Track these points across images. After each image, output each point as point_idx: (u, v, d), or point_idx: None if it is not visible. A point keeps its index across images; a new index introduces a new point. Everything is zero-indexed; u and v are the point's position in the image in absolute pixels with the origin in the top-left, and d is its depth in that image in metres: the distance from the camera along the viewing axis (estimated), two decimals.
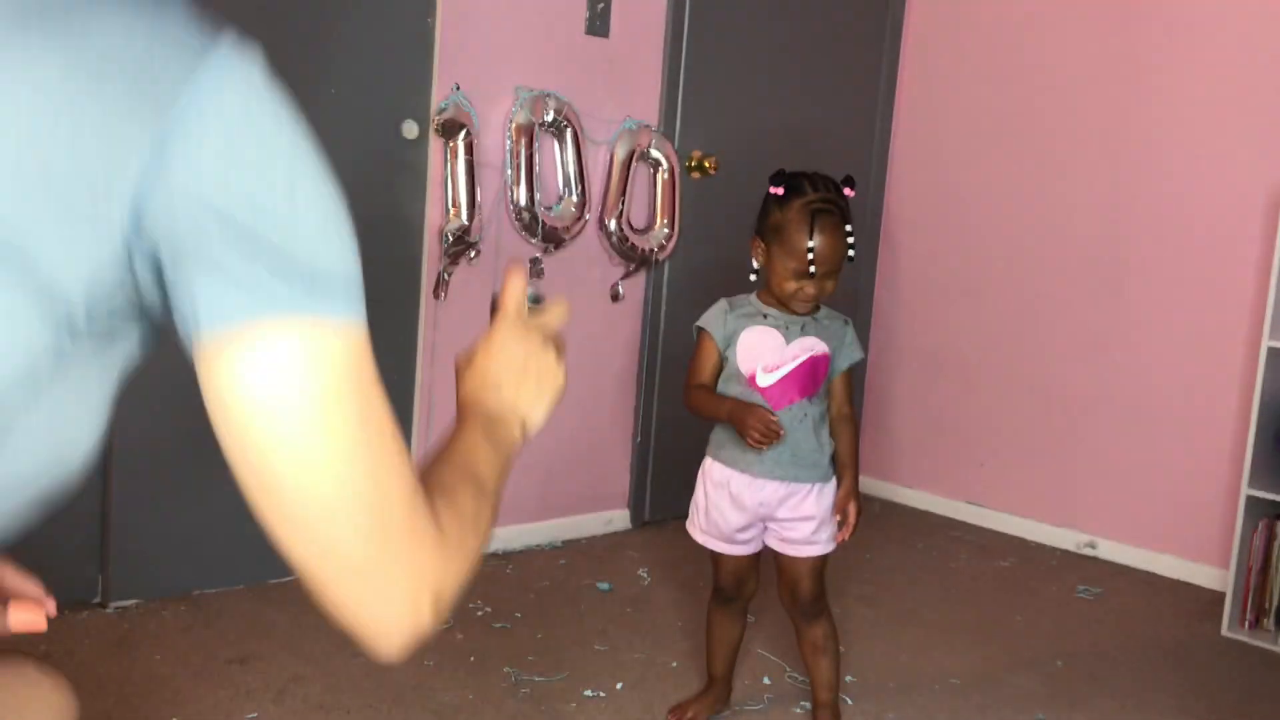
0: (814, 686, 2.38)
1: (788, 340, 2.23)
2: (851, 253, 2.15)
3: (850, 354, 2.30)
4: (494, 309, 1.00)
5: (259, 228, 0.64)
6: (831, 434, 2.29)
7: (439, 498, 0.77)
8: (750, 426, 2.11)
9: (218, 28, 0.67)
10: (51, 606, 0.96)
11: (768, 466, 2.21)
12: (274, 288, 0.64)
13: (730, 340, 2.24)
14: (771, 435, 2.11)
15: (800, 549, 2.27)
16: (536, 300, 0.98)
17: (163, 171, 0.62)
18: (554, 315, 1.01)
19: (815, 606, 2.32)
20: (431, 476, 0.80)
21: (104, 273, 0.62)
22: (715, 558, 2.34)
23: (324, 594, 0.69)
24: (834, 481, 2.29)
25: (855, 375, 4.20)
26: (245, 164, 0.64)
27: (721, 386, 2.25)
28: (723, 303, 2.28)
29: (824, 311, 2.28)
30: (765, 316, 2.24)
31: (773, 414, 2.15)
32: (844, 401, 2.31)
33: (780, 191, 2.18)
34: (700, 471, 2.33)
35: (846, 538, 2.27)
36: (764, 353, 2.22)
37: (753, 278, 2.27)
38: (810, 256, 2.11)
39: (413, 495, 0.70)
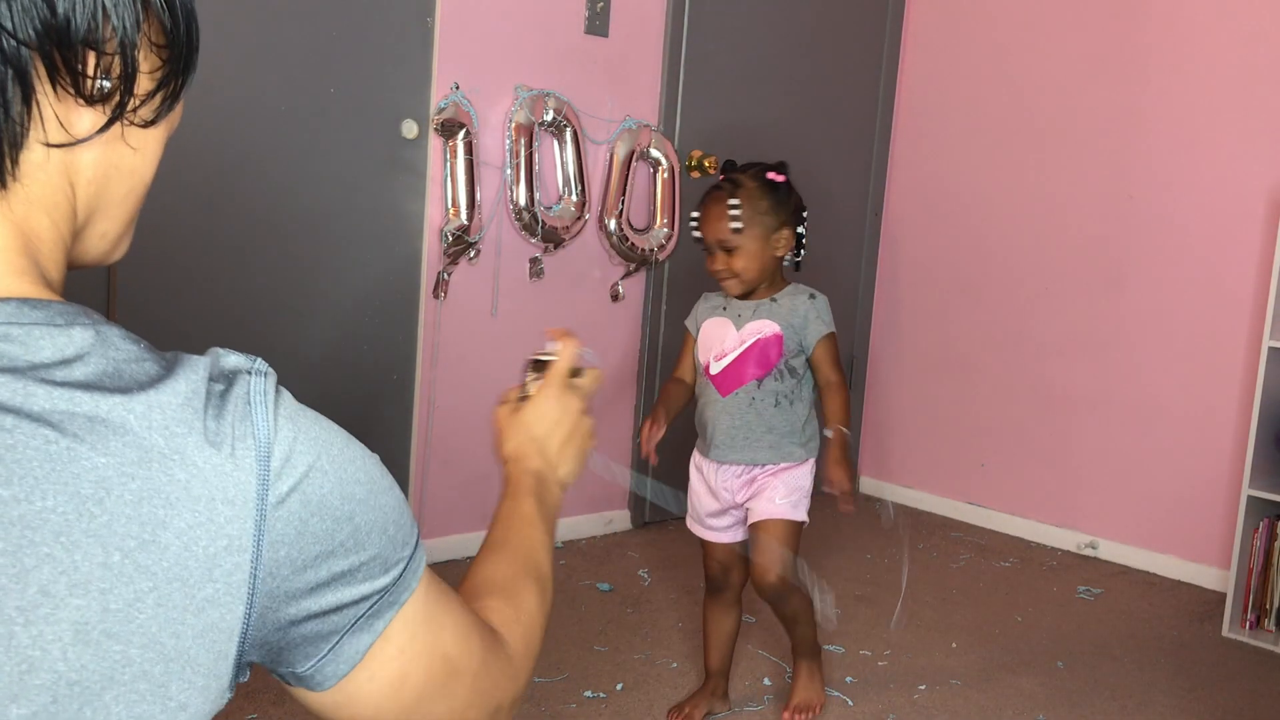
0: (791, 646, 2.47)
1: (738, 327, 2.32)
2: (736, 225, 2.24)
3: (816, 329, 2.31)
4: (531, 367, 1.05)
5: (340, 576, 0.63)
6: (822, 403, 2.34)
7: (503, 606, 0.82)
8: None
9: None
10: None
11: (721, 450, 2.32)
12: (369, 619, 0.65)
13: (699, 333, 2.38)
14: (645, 443, 2.26)
15: (756, 516, 2.30)
16: (577, 371, 1.05)
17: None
18: (591, 380, 1.06)
19: (775, 590, 2.29)
20: (495, 573, 0.85)
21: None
22: (702, 546, 2.42)
23: None
24: (809, 463, 2.33)
25: (855, 374, 4.18)
26: (300, 540, 0.60)
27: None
28: (701, 298, 2.43)
29: (788, 290, 2.33)
30: (724, 308, 2.35)
31: (727, 399, 2.30)
32: (828, 370, 2.33)
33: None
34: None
35: (849, 510, 2.24)
36: (714, 342, 2.34)
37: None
38: (695, 231, 2.31)
39: (480, 649, 0.74)
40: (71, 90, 0.59)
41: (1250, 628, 3.11)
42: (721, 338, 2.33)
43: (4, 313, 0.54)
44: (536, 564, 0.89)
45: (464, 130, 3.11)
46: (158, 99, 0.64)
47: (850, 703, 2.54)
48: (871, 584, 3.33)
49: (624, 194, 3.49)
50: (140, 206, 0.68)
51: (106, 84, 0.60)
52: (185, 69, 0.65)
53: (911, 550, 3.66)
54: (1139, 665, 2.87)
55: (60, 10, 0.56)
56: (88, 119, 0.60)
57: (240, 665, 0.60)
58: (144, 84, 0.62)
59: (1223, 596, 3.29)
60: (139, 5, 0.60)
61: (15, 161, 0.58)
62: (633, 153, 3.49)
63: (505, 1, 3.21)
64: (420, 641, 0.68)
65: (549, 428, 1.00)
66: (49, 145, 0.59)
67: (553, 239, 3.34)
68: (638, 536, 3.68)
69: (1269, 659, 2.98)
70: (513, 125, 3.21)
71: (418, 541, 0.68)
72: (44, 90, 0.58)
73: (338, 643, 0.63)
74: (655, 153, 3.54)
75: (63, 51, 0.57)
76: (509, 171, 3.23)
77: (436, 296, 3.17)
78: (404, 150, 3.07)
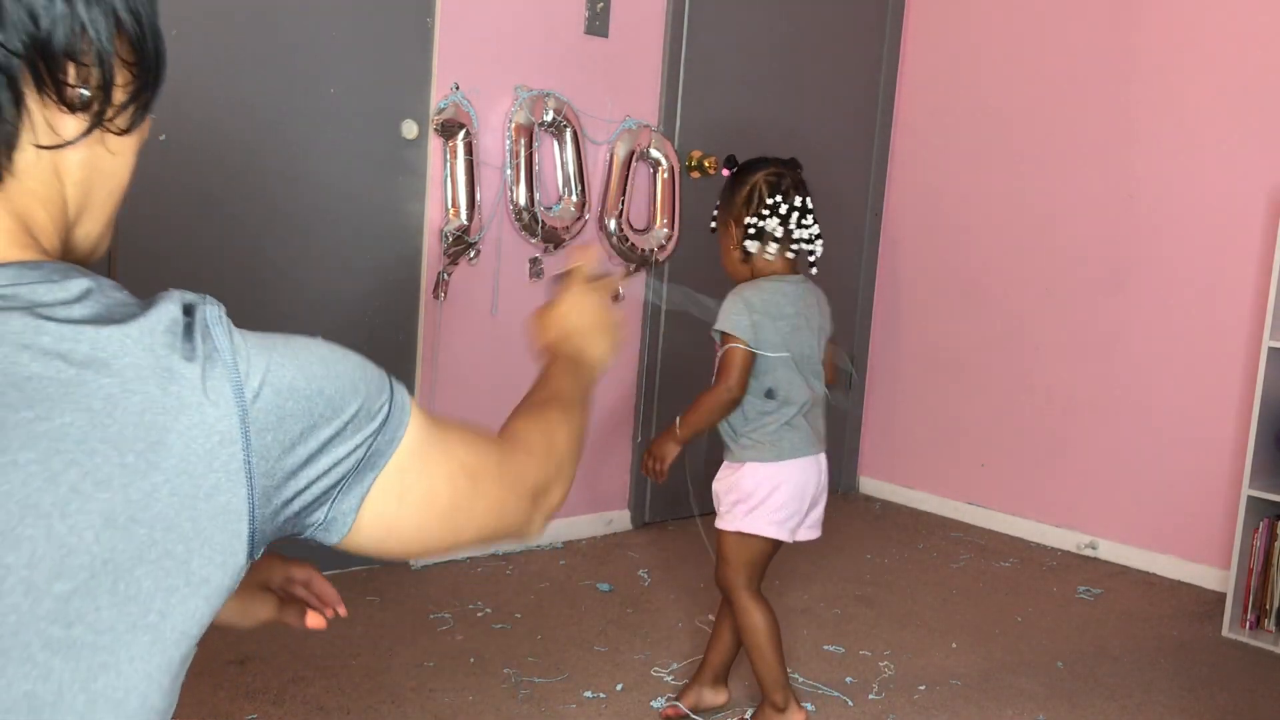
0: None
1: None
2: (713, 224, 2.36)
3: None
4: (557, 281, 1.22)
5: (329, 441, 0.72)
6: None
7: (527, 422, 0.96)
8: None
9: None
10: (342, 609, 1.09)
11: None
12: (366, 464, 0.75)
13: None
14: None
15: None
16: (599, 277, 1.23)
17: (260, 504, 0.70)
18: (612, 281, 1.25)
19: (719, 584, 2.34)
20: (522, 406, 1.00)
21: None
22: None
23: (485, 543, 0.89)
24: (741, 465, 2.28)
25: (856, 372, 4.18)
26: (281, 424, 0.70)
27: None
28: None
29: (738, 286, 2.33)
30: None
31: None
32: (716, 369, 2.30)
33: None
34: None
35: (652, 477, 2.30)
36: None
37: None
38: None
39: (496, 451, 0.88)
40: (55, 97, 0.67)
41: (1250, 628, 3.11)
42: None
43: (10, 273, 0.65)
44: (558, 395, 1.02)
45: (464, 130, 3.11)
46: (131, 109, 0.72)
47: (850, 703, 2.54)
48: (871, 584, 3.33)
49: (624, 194, 3.49)
50: (118, 209, 0.77)
51: (86, 92, 0.69)
52: (154, 82, 0.74)
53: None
54: (1139, 665, 2.87)
55: (43, 25, 0.65)
56: (72, 125, 0.69)
57: (256, 543, 0.69)
58: (118, 95, 0.71)
59: (1223, 596, 3.29)
60: (113, 22, 0.69)
61: (10, 159, 0.67)
62: (633, 153, 3.49)
63: (505, 1, 3.22)
64: (434, 462, 0.79)
65: (576, 320, 1.16)
66: (39, 147, 0.68)
67: (553, 239, 3.34)
68: (638, 536, 3.68)
69: (1269, 659, 2.98)
70: (513, 125, 3.21)
71: (393, 385, 0.78)
72: (32, 96, 0.67)
73: (350, 485, 0.74)
74: (655, 153, 3.54)
75: (47, 61, 0.66)
76: (509, 172, 3.23)
77: (436, 296, 3.17)
78: (404, 150, 3.08)
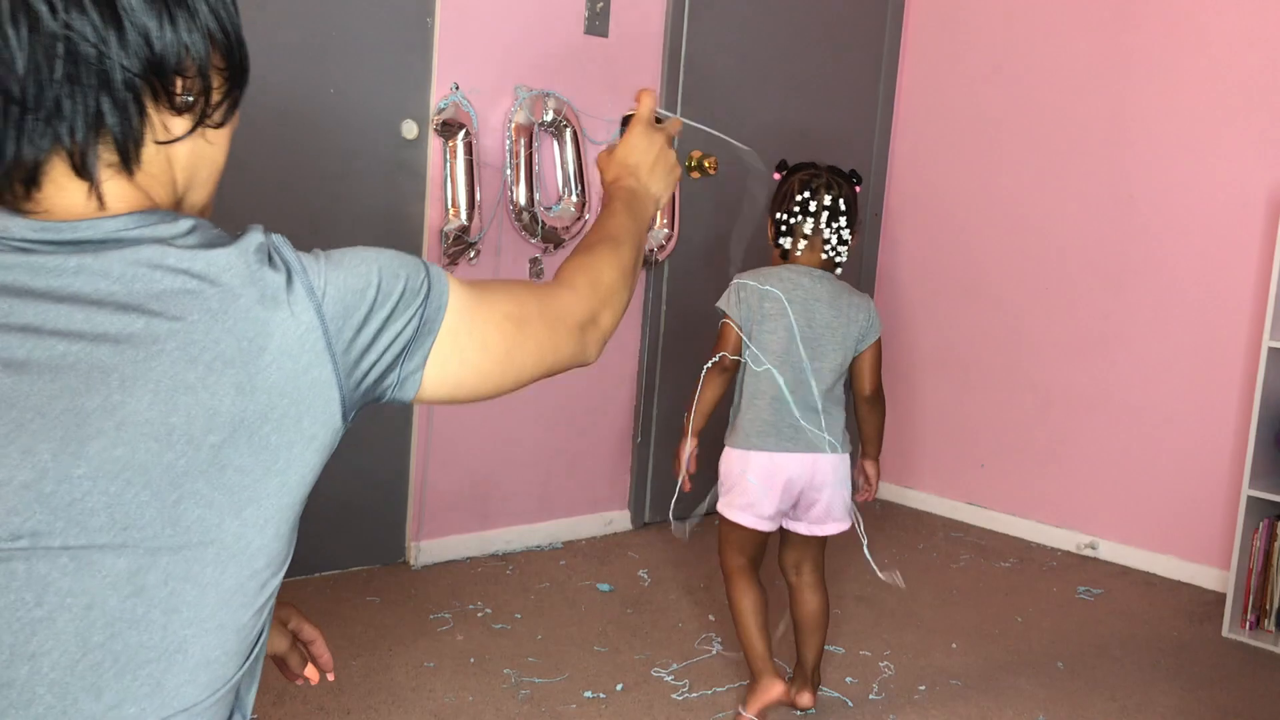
0: None
1: None
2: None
3: None
4: (624, 122, 1.35)
5: (387, 319, 0.90)
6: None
7: (575, 264, 1.12)
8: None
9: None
10: (331, 674, 1.23)
11: None
12: (423, 330, 0.92)
13: None
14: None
15: None
16: (659, 118, 1.34)
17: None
18: (673, 124, 1.36)
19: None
20: (577, 249, 1.15)
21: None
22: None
23: (547, 374, 1.06)
24: (727, 448, 2.40)
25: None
26: (347, 312, 0.88)
27: None
28: None
29: None
30: None
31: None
32: None
33: (859, 188, 2.45)
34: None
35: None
36: None
37: (838, 274, 2.44)
38: None
39: (536, 297, 1.04)
40: (168, 105, 0.87)
41: (1250, 628, 3.11)
42: None
43: (137, 217, 0.85)
44: (611, 235, 1.17)
45: (464, 131, 3.11)
46: (224, 107, 0.92)
47: (850, 703, 2.54)
48: (871, 584, 3.33)
49: None
50: (217, 184, 0.99)
51: (190, 99, 0.88)
52: (241, 83, 0.93)
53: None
54: (1139, 665, 2.87)
55: (157, 50, 0.85)
56: (179, 124, 0.89)
57: (347, 406, 0.88)
58: (214, 96, 0.90)
59: (1223, 597, 3.29)
60: (208, 40, 0.88)
61: (139, 153, 0.87)
62: None
63: (505, 1, 3.21)
64: (480, 318, 0.96)
65: (639, 156, 1.29)
66: (157, 142, 0.88)
67: (553, 239, 3.34)
68: (638, 537, 3.68)
69: (1269, 659, 2.98)
70: (513, 125, 3.21)
71: (429, 265, 0.94)
72: (150, 105, 0.86)
73: (412, 350, 0.92)
74: None
75: (161, 78, 0.86)
76: (509, 172, 3.23)
77: None
78: (404, 150, 3.07)
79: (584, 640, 2.79)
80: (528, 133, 3.23)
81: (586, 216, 3.41)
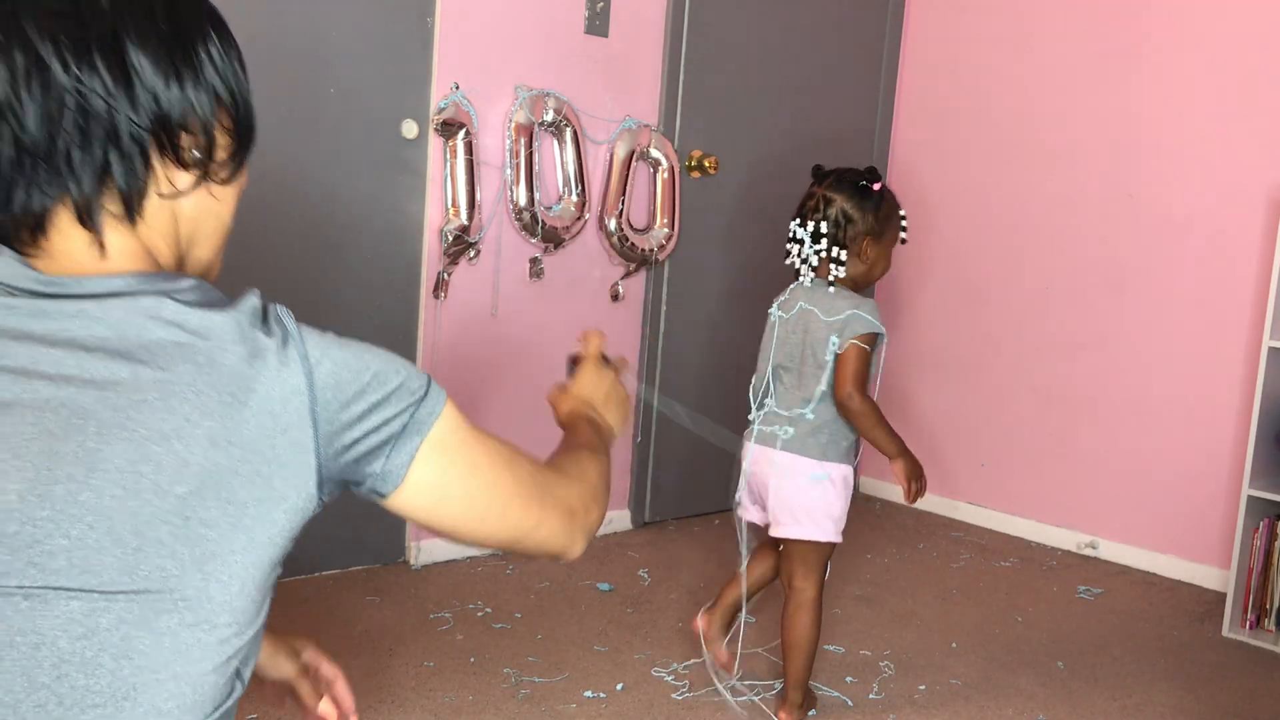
0: None
1: None
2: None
3: None
4: (571, 362, 1.40)
5: (377, 404, 0.91)
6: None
7: (558, 459, 1.15)
8: (921, 479, 2.60)
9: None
10: (354, 718, 1.28)
11: None
12: (411, 428, 0.93)
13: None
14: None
15: None
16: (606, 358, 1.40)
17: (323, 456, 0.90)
18: (620, 362, 1.43)
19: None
20: (553, 457, 1.17)
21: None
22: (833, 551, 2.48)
23: (522, 550, 1.06)
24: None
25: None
26: (338, 385, 0.90)
27: None
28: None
29: None
30: None
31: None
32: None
33: (879, 186, 2.41)
34: (841, 479, 2.48)
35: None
36: None
37: (832, 289, 2.47)
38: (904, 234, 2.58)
39: (536, 468, 1.05)
40: (173, 159, 0.90)
41: (1250, 628, 3.11)
42: None
43: (140, 278, 0.87)
44: (584, 444, 1.20)
45: (464, 130, 3.11)
46: (229, 165, 0.96)
47: (850, 703, 2.54)
48: (871, 584, 3.33)
49: (624, 194, 3.48)
50: (224, 242, 1.01)
51: (196, 154, 0.92)
52: (247, 144, 0.97)
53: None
54: (1139, 665, 2.87)
55: (164, 106, 0.88)
56: (185, 179, 0.92)
57: (323, 476, 0.88)
58: (219, 154, 0.94)
59: (1223, 596, 3.29)
60: (214, 100, 0.92)
61: (141, 205, 0.89)
62: (633, 153, 3.49)
63: (505, 1, 3.21)
64: (471, 439, 0.97)
65: (591, 392, 1.35)
66: (161, 195, 0.91)
67: (553, 239, 3.34)
68: (638, 536, 3.68)
69: (1269, 659, 2.98)
70: (513, 125, 3.21)
71: (430, 378, 0.96)
72: (156, 159, 0.89)
73: (399, 444, 0.92)
74: (655, 153, 3.54)
75: (167, 133, 0.89)
76: (509, 171, 3.23)
77: (436, 296, 3.17)
78: (404, 150, 3.07)
79: (584, 640, 2.79)
80: (528, 132, 3.23)
81: (586, 216, 3.41)
